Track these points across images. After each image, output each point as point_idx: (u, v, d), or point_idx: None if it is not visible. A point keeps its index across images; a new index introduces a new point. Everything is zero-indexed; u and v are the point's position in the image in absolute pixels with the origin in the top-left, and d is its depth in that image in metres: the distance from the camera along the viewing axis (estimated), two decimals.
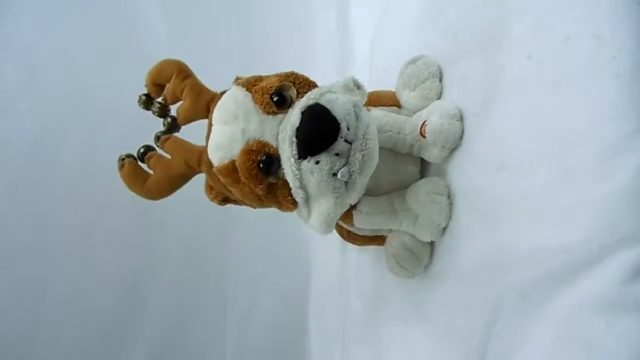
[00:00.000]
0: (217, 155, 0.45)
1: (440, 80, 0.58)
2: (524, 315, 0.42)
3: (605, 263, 0.35)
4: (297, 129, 0.41)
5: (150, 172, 0.52)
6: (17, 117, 1.02)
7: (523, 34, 0.44)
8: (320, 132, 0.41)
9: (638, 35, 0.34)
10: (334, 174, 0.42)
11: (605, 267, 0.35)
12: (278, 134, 0.43)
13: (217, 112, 0.46)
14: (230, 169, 0.45)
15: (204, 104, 0.50)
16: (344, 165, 0.42)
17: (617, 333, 0.33)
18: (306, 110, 0.41)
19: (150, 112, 0.54)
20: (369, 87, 0.65)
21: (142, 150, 0.53)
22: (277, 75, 0.47)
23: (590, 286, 0.36)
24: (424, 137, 0.54)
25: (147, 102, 0.53)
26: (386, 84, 0.66)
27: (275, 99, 0.43)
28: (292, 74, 0.47)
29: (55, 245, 1.03)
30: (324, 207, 0.44)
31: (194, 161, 0.49)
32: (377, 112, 0.56)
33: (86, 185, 1.04)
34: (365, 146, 0.43)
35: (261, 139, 0.43)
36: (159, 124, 0.55)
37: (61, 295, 1.03)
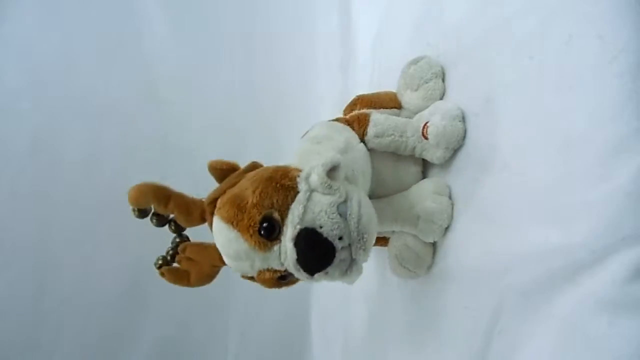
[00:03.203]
0: (238, 271, 0.49)
1: (443, 80, 0.58)
2: (526, 315, 0.42)
3: (607, 263, 0.35)
4: (297, 262, 0.43)
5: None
6: (18, 116, 1.02)
7: (525, 34, 0.44)
8: (318, 258, 0.43)
9: None
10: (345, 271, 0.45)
11: (607, 267, 0.35)
12: (282, 262, 0.45)
13: (219, 248, 0.48)
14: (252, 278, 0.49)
15: (197, 217, 0.51)
16: (350, 261, 0.44)
17: (619, 333, 0.33)
18: (297, 241, 0.42)
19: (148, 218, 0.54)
20: (371, 87, 0.65)
21: (171, 253, 0.55)
22: (253, 192, 0.45)
23: (592, 286, 0.36)
24: (426, 138, 0.54)
25: (141, 214, 0.52)
26: (388, 84, 0.66)
27: (263, 233, 0.44)
28: (264, 188, 0.45)
29: (56, 244, 1.03)
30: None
31: (217, 261, 0.50)
32: (378, 117, 0.56)
33: (87, 184, 1.04)
34: (363, 241, 0.44)
35: (270, 267, 0.46)
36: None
37: (62, 295, 1.04)
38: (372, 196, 0.57)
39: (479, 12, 0.52)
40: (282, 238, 0.44)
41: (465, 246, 0.51)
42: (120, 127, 1.05)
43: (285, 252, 0.43)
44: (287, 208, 0.44)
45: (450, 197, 0.54)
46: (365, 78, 0.88)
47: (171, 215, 0.53)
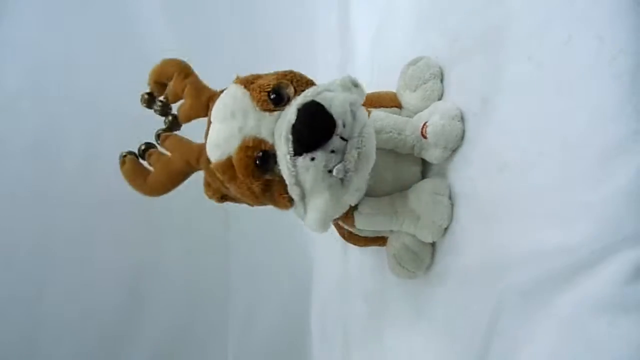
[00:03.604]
0: (215, 152, 0.46)
1: (442, 81, 0.58)
2: (525, 316, 0.42)
3: (607, 263, 0.35)
4: (293, 126, 0.41)
5: (151, 169, 0.53)
6: (18, 117, 1.02)
7: (524, 35, 0.44)
8: (315, 129, 0.41)
9: (639, 36, 0.34)
10: (330, 171, 0.42)
11: (606, 268, 0.35)
12: (275, 131, 0.43)
13: (215, 109, 0.46)
14: (228, 165, 0.45)
15: (204, 102, 0.50)
16: (339, 162, 0.42)
17: (619, 333, 0.33)
18: (302, 107, 0.41)
19: (152, 110, 0.55)
20: (370, 87, 0.65)
21: (143, 148, 0.54)
22: (275, 73, 0.47)
23: (591, 287, 0.36)
24: (425, 137, 0.54)
25: (149, 100, 0.54)
26: (387, 84, 0.66)
27: (272, 96, 0.43)
28: (291, 72, 0.47)
29: (56, 245, 1.03)
30: (319, 204, 0.44)
31: (193, 158, 0.49)
32: (378, 113, 0.56)
33: (88, 184, 1.04)
34: (361, 144, 0.43)
35: (258, 136, 0.44)
36: (160, 123, 0.55)
37: (62, 295, 1.04)
38: (371, 195, 0.57)
39: (478, 13, 0.52)
40: (287, 107, 0.43)
41: (465, 246, 0.51)
42: (121, 127, 1.05)
43: (285, 116, 0.42)
44: (305, 88, 0.44)
45: (449, 197, 0.54)
46: (365, 78, 0.88)
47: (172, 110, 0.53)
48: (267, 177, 0.45)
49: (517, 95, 0.45)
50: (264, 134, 0.43)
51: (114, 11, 1.10)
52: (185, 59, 0.53)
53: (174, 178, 0.51)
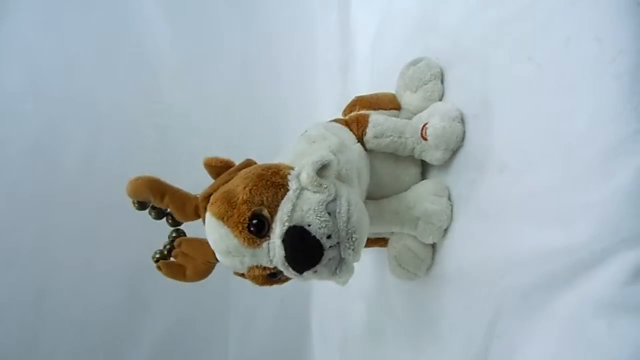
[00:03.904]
0: (228, 266, 0.49)
1: (442, 81, 0.58)
2: (525, 317, 0.42)
3: (607, 264, 0.35)
4: (285, 259, 0.43)
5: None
6: (19, 118, 1.02)
7: (524, 36, 0.44)
8: (306, 257, 0.43)
9: (638, 36, 0.34)
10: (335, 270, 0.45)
11: (606, 269, 0.35)
12: (271, 260, 0.45)
13: (211, 243, 0.48)
14: (242, 274, 0.49)
15: (190, 212, 0.52)
16: (339, 260, 0.44)
17: (619, 334, 0.33)
18: (286, 239, 0.43)
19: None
20: (370, 88, 0.65)
21: (168, 247, 0.56)
22: (243, 189, 0.46)
23: (592, 287, 0.36)
24: (425, 139, 0.54)
25: (141, 206, 0.54)
26: (387, 85, 0.66)
27: (252, 229, 0.44)
28: (254, 185, 0.45)
29: (57, 245, 1.03)
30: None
31: (212, 257, 0.51)
32: (377, 117, 0.56)
33: (88, 186, 1.04)
34: (352, 241, 0.44)
35: (259, 264, 0.46)
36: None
37: (63, 296, 1.04)
38: (371, 197, 0.57)
39: (478, 14, 0.52)
40: (272, 235, 0.44)
41: (465, 247, 0.51)
42: (121, 129, 1.05)
43: (274, 249, 0.43)
44: (277, 205, 0.44)
45: (449, 199, 0.54)
46: (364, 79, 0.88)
47: (168, 210, 0.54)
48: (280, 278, 0.48)
49: (518, 96, 0.45)
50: (264, 262, 0.45)
51: (113, 11, 1.10)
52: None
53: (206, 272, 0.56)
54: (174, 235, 0.56)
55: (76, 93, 1.06)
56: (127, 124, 1.06)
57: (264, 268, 0.46)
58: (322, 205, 0.43)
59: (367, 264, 0.78)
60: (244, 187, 0.45)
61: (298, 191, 0.44)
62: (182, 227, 0.57)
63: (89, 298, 1.05)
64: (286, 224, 0.43)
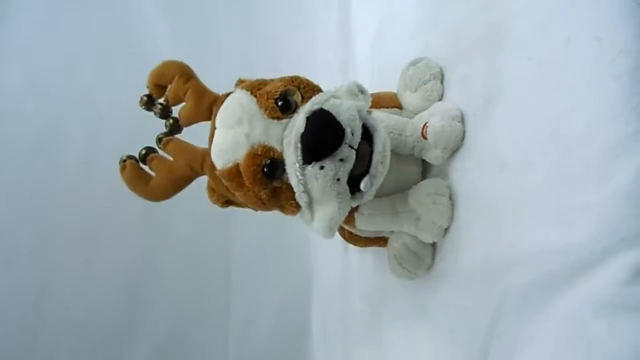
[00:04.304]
0: (221, 159, 0.46)
1: (442, 81, 0.58)
2: (525, 316, 0.42)
3: (607, 264, 0.35)
4: (302, 135, 0.41)
5: (152, 173, 0.52)
6: (19, 118, 1.02)
7: (524, 35, 0.44)
8: (324, 138, 0.41)
9: (639, 37, 0.34)
10: (338, 179, 0.43)
11: (606, 268, 0.35)
12: (283, 139, 0.43)
13: (221, 115, 0.46)
14: (234, 172, 0.45)
15: (206, 106, 0.50)
16: (349, 170, 0.43)
17: (619, 334, 0.33)
18: (310, 116, 0.41)
19: (151, 112, 0.54)
20: (370, 88, 0.65)
21: (143, 152, 0.53)
22: (281, 79, 0.47)
23: (591, 287, 0.36)
24: (425, 138, 0.54)
25: (148, 103, 0.53)
26: (387, 85, 0.66)
27: (280, 103, 0.43)
28: (297, 78, 0.47)
29: (57, 247, 1.03)
30: (327, 211, 0.44)
31: (197, 163, 0.49)
32: (379, 114, 0.56)
33: (88, 186, 1.04)
34: (384, 155, 0.43)
35: (266, 143, 0.43)
36: (160, 125, 0.55)
37: (63, 296, 1.04)
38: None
39: (478, 13, 0.52)
40: (295, 115, 0.43)
41: (465, 247, 0.51)
42: (122, 128, 1.05)
43: (294, 124, 0.42)
44: (312, 95, 0.44)
45: (450, 198, 0.54)
46: (365, 79, 0.88)
47: (173, 114, 0.52)
48: (275, 184, 0.45)
49: (518, 96, 0.45)
50: (272, 142, 0.43)
51: (113, 12, 1.10)
52: (185, 61, 0.53)
53: (177, 183, 0.51)
54: (160, 137, 0.54)
55: (76, 93, 1.06)
56: (127, 124, 1.06)
57: (268, 150, 0.43)
58: (354, 108, 0.43)
59: (367, 263, 0.78)
60: (282, 78, 0.46)
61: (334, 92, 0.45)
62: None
63: (89, 298, 1.06)
64: (317, 105, 0.42)
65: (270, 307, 1.18)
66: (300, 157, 0.42)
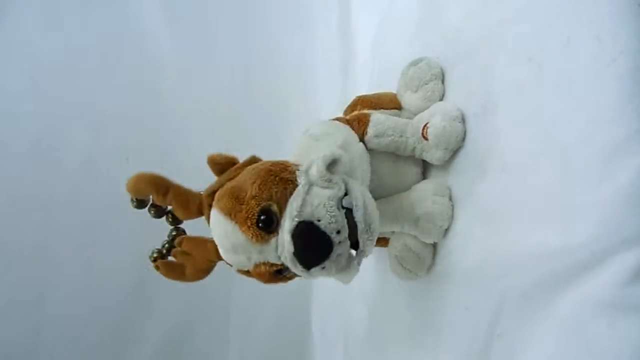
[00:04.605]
0: (234, 265, 0.48)
1: (443, 81, 0.58)
2: (526, 317, 0.42)
3: (607, 265, 0.35)
4: (293, 254, 0.43)
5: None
6: (19, 119, 1.02)
7: (524, 36, 0.44)
8: (314, 252, 0.43)
9: (639, 37, 0.34)
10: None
11: (606, 269, 0.35)
12: (279, 255, 0.45)
13: (216, 240, 0.48)
14: (247, 272, 0.49)
15: (194, 209, 0.51)
16: (347, 256, 0.45)
17: (619, 334, 0.33)
18: (294, 234, 0.42)
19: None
20: (370, 88, 0.65)
21: (167, 246, 0.55)
22: (252, 194, 0.45)
23: (592, 288, 0.36)
24: (426, 139, 0.54)
25: (139, 205, 0.53)
26: (387, 85, 0.66)
27: (261, 225, 0.44)
28: (264, 180, 0.45)
29: (58, 247, 1.03)
30: (340, 277, 0.47)
31: (213, 256, 0.50)
32: (379, 117, 0.56)
33: (88, 187, 1.04)
34: (371, 231, 0.44)
35: (266, 261, 0.46)
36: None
37: (64, 297, 1.04)
38: (372, 196, 0.57)
39: (478, 14, 0.52)
40: (280, 231, 0.43)
41: (466, 247, 0.51)
42: (122, 129, 1.05)
43: (283, 244, 0.43)
44: (286, 201, 0.44)
45: (450, 198, 0.54)
46: (365, 79, 0.88)
47: (169, 207, 0.53)
48: (288, 275, 0.48)
49: (518, 96, 0.45)
50: (271, 259, 0.45)
51: (114, 12, 1.10)
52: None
53: (206, 271, 0.55)
54: (173, 234, 0.55)
55: (76, 93, 1.06)
56: (127, 124, 1.07)
57: (271, 265, 0.45)
58: (332, 200, 0.43)
59: (367, 263, 0.78)
60: (253, 183, 0.45)
61: (307, 186, 0.44)
62: (182, 226, 0.56)
63: (89, 299, 1.06)
64: (296, 219, 0.42)
65: (271, 308, 1.18)
66: (301, 269, 0.44)
